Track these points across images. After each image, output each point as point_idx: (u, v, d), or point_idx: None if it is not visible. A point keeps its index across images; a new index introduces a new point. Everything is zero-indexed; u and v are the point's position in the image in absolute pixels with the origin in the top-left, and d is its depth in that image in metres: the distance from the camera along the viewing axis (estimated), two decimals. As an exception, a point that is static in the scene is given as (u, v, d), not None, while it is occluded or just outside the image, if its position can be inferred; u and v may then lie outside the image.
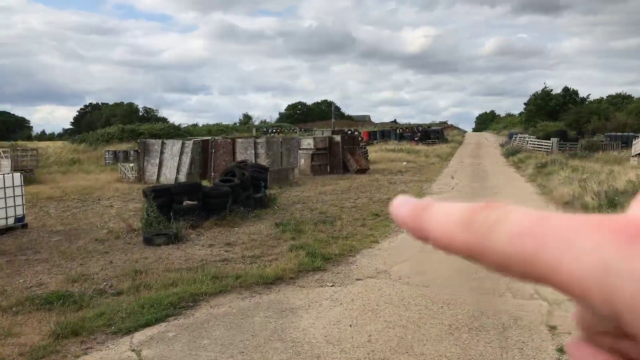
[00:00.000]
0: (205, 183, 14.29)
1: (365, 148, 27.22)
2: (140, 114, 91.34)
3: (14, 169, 17.83)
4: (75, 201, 14.69)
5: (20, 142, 41.37)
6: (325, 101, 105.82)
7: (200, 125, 73.74)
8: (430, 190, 15.45)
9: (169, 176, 18.62)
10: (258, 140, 17.25)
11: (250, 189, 11.94)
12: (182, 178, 18.34)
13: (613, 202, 10.39)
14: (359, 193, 15.08)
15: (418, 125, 61.69)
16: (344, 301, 5.64)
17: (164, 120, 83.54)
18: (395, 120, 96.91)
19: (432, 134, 47.76)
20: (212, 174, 16.75)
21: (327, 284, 6.28)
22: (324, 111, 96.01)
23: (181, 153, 18.60)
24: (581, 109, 45.37)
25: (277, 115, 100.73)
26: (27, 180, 15.54)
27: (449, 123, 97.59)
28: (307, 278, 6.55)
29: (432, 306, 5.42)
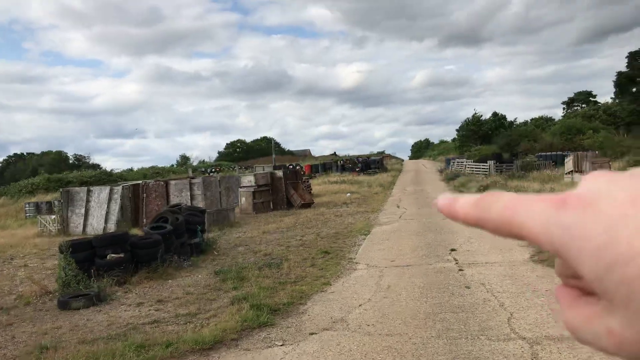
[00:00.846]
0: (137, 231, 12.97)
1: (308, 182, 26.61)
2: (71, 162, 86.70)
3: None
4: (-17, 263, 12.84)
5: None
6: (265, 138, 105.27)
7: (135, 169, 70.76)
8: (378, 221, 14.88)
9: (96, 226, 17.00)
10: (194, 181, 16.12)
11: (185, 234, 10.82)
12: (112, 227, 16.79)
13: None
14: (305, 229, 14.26)
15: (358, 157, 62.27)
16: (297, 364, 4.73)
17: (97, 167, 79.67)
18: (335, 152, 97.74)
19: (372, 164, 48.09)
20: (145, 220, 15.38)
21: (276, 343, 5.34)
22: (264, 148, 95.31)
23: (109, 200, 17.09)
24: (511, 132, 47.43)
25: (216, 155, 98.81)
26: None
27: (387, 152, 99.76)
28: (253, 337, 5.58)
29: (400, 360, 4.62)
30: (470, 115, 63.13)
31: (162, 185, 16.43)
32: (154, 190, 16.60)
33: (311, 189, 25.56)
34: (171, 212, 11.16)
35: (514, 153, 39.06)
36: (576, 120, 51.11)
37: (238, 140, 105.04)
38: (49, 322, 7.03)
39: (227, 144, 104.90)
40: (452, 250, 9.43)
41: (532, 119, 70.02)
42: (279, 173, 20.96)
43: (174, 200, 15.61)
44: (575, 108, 71.45)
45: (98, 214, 17.17)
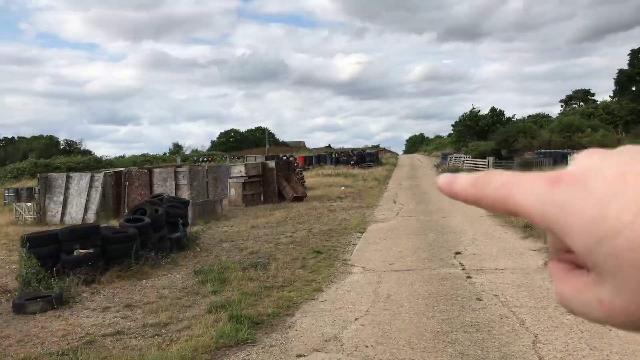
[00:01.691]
0: (117, 223, 12.02)
1: (301, 174, 25.67)
2: (62, 147, 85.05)
3: None
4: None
5: None
6: (259, 128, 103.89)
7: (127, 157, 69.25)
8: (374, 218, 14.01)
9: (75, 216, 16.01)
10: (179, 170, 15.12)
11: (165, 228, 9.90)
12: (92, 217, 15.81)
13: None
14: (296, 224, 13.36)
15: (353, 149, 61.28)
16: (280, 398, 3.85)
17: (88, 152, 78.26)
18: (329, 145, 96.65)
19: (367, 157, 47.19)
20: (126, 211, 14.41)
21: (256, 367, 4.46)
22: (258, 138, 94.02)
23: (90, 188, 16.09)
24: (509, 128, 46.60)
25: (209, 144, 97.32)
26: None
27: (382, 146, 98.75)
28: (229, 358, 4.69)
29: (407, 397, 3.76)
30: (468, 110, 62.23)
31: (146, 173, 15.44)
32: (136, 179, 15.61)
33: (304, 182, 24.64)
34: (150, 203, 10.22)
35: (512, 149, 38.28)
36: (574, 118, 50.41)
37: (232, 130, 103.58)
38: (-2, 328, 6.12)
39: (220, 133, 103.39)
40: (457, 253, 8.58)
41: (529, 116, 69.31)
42: (271, 164, 20.01)
43: (158, 189, 14.64)
44: (574, 106, 70.87)
45: (77, 202, 16.17)
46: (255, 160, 30.66)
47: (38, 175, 17.59)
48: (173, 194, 14.20)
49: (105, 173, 16.51)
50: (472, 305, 5.73)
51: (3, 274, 9.27)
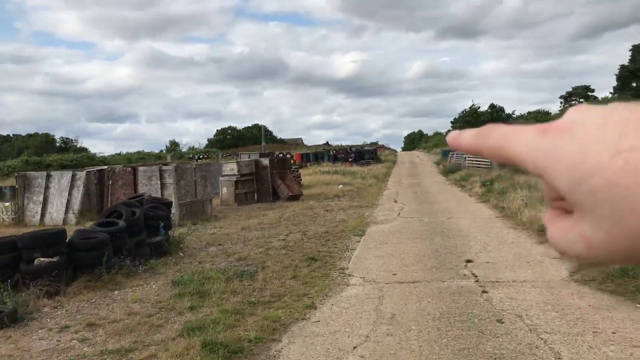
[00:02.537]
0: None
1: (297, 171, 24.74)
2: (58, 144, 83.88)
3: None
4: None
5: None
6: (256, 125, 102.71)
7: (123, 154, 68.18)
8: (373, 219, 13.08)
9: (55, 216, 15.05)
10: (165, 168, 14.14)
11: (144, 232, 8.96)
12: (73, 218, 14.86)
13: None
14: (290, 226, 12.43)
15: (351, 146, 60.31)
16: None
17: (84, 150, 77.16)
18: (327, 142, 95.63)
19: (366, 154, 46.27)
20: (109, 211, 13.43)
21: (228, 417, 3.53)
22: (256, 135, 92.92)
23: (71, 187, 15.12)
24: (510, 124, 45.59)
25: (206, 142, 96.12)
26: None
27: (380, 143, 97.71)
28: (195, 403, 3.76)
29: None
30: (467, 107, 61.28)
31: (130, 172, 14.46)
32: (120, 178, 14.64)
33: (301, 180, 23.72)
34: (127, 205, 9.26)
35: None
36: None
37: (229, 127, 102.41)
38: None
39: (217, 130, 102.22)
40: (468, 261, 7.65)
41: (529, 112, 68.47)
42: (265, 161, 19.05)
43: (142, 189, 13.69)
44: (573, 102, 70.06)
45: (58, 202, 15.20)
46: (248, 158, 29.73)
47: (16, 174, 16.59)
48: (158, 193, 13.25)
49: (88, 171, 15.55)
50: (492, 330, 4.80)
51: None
